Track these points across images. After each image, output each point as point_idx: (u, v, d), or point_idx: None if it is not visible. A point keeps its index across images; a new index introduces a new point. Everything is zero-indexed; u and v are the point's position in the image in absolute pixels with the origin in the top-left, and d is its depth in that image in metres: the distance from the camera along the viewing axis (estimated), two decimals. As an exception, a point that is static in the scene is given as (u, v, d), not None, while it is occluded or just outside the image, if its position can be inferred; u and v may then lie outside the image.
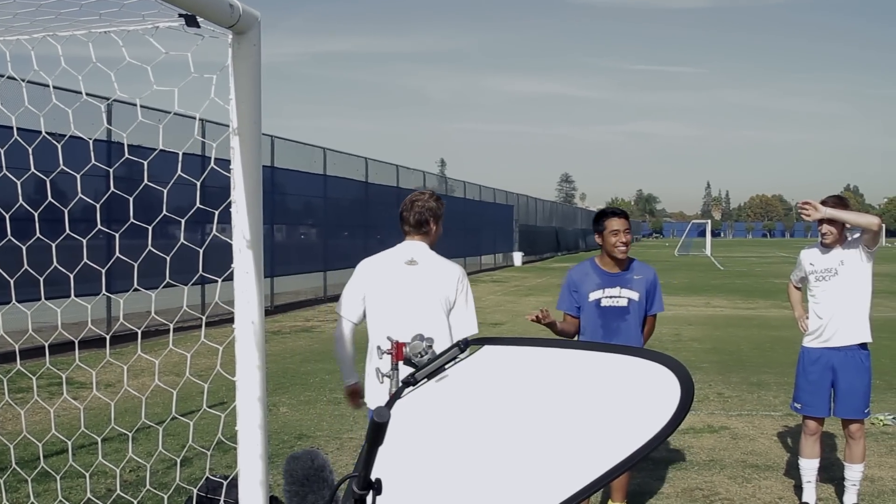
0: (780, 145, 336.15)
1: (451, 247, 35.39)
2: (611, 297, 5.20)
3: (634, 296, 5.21)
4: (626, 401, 1.41)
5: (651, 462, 6.72)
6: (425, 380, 1.64)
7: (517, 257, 44.15)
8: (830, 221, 5.48)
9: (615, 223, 5.19)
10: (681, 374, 1.40)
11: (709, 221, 68.61)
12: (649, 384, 1.40)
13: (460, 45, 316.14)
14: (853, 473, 5.64)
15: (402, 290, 4.41)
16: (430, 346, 1.87)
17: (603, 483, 1.33)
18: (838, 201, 5.54)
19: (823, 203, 5.44)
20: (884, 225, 5.57)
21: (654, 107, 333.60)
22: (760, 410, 8.83)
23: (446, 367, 1.62)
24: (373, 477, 1.40)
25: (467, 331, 4.40)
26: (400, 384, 1.66)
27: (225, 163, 2.56)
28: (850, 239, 5.58)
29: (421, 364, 1.69)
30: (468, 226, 37.45)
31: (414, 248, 4.51)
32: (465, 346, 1.64)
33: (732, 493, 6.06)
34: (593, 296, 5.22)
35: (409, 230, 4.54)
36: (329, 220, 24.20)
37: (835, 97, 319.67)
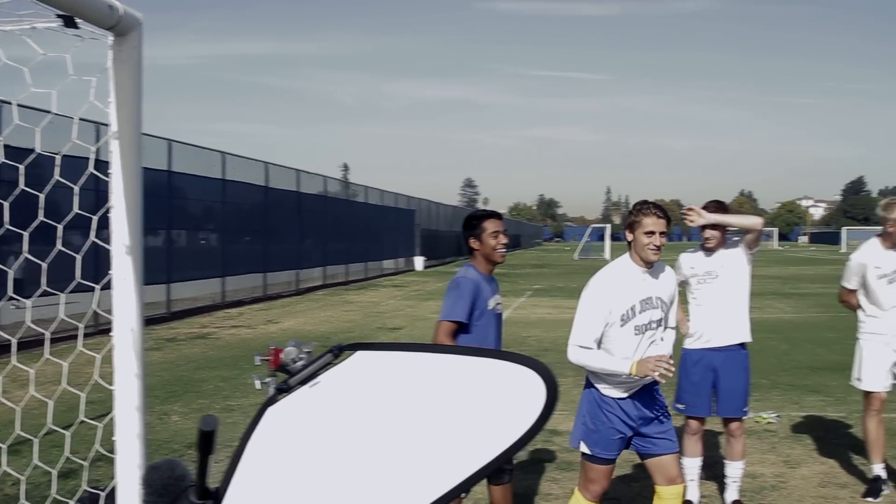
0: (678, 151, 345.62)
1: (353, 251, 35.30)
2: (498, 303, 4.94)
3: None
4: (493, 404, 1.44)
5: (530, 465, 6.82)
6: (299, 386, 1.64)
7: (419, 262, 44.24)
8: (713, 226, 5.65)
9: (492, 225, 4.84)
10: (546, 376, 1.44)
11: (609, 225, 70.03)
12: (516, 387, 1.44)
13: (364, 50, 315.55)
14: (734, 470, 5.84)
15: None
16: (308, 352, 1.87)
17: (468, 486, 1.35)
18: (718, 206, 5.72)
19: (705, 208, 5.62)
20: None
21: (556, 112, 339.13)
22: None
23: (319, 373, 1.63)
24: (216, 485, 1.40)
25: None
26: (274, 391, 1.66)
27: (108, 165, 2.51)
28: (730, 241, 5.78)
29: (295, 370, 1.69)
30: (370, 230, 37.34)
31: None
32: (338, 351, 1.65)
33: (619, 493, 6.20)
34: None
35: None
36: (228, 226, 23.78)
37: (731, 104, 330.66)
